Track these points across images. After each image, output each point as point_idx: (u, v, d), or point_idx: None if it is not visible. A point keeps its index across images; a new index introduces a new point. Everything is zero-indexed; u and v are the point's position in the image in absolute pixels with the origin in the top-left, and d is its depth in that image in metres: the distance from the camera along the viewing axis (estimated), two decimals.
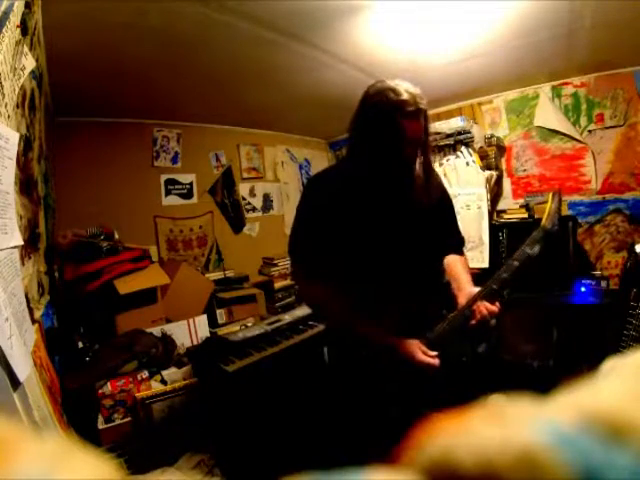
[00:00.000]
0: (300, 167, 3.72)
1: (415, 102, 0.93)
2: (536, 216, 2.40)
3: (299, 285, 1.17)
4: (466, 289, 1.04)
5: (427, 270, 1.11)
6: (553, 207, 1.07)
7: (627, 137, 2.33)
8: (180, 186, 2.87)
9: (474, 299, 0.98)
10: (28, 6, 1.03)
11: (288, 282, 3.12)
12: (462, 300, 1.02)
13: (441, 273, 1.15)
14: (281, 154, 3.55)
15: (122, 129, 2.57)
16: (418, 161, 1.05)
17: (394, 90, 0.93)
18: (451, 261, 1.16)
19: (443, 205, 1.19)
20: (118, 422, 1.54)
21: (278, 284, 3.04)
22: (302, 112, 2.93)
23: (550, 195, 1.12)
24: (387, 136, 0.95)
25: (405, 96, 0.92)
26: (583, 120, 2.47)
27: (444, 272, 1.15)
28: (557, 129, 2.56)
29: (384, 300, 1.04)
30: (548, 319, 2.10)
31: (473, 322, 0.96)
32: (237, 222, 3.21)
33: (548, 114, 2.59)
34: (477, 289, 1.02)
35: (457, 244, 1.23)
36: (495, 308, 0.97)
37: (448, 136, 2.64)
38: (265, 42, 1.75)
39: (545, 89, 2.59)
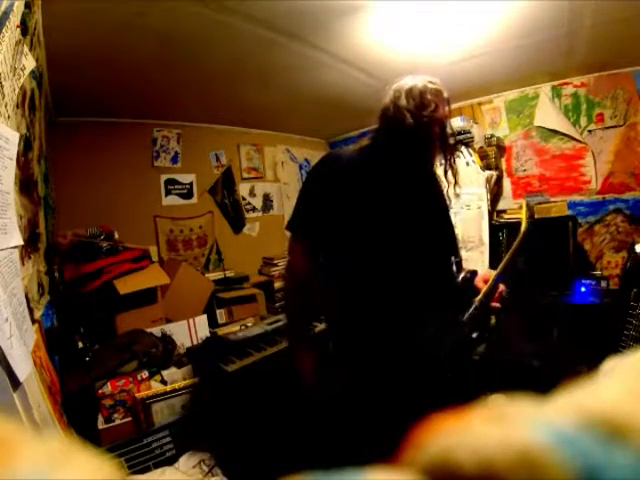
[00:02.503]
0: (300, 167, 3.72)
1: (440, 87, 1.04)
2: (536, 216, 2.40)
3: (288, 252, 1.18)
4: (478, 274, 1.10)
5: (432, 259, 1.11)
6: (527, 213, 1.26)
7: (627, 137, 2.33)
8: (180, 186, 2.87)
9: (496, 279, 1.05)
10: (28, 6, 1.03)
11: None
12: (479, 284, 1.07)
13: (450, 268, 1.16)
14: (281, 154, 3.55)
15: (122, 129, 2.57)
16: (440, 160, 1.11)
17: (422, 79, 1.04)
18: None
19: (446, 212, 1.23)
20: (118, 422, 1.54)
21: (278, 284, 3.04)
22: (302, 112, 2.93)
23: (524, 202, 1.33)
24: (413, 112, 1.00)
25: (433, 80, 1.04)
26: (583, 120, 2.47)
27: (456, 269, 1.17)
28: (557, 129, 2.56)
29: (386, 284, 1.04)
30: (548, 319, 2.10)
31: (496, 300, 1.04)
32: (237, 222, 3.21)
33: (548, 114, 2.59)
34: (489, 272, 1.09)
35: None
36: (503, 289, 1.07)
37: None
38: (265, 42, 1.75)
39: (545, 89, 2.59)
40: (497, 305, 1.04)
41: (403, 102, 1.01)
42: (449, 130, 1.07)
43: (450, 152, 1.12)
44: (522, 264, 2.10)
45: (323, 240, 1.06)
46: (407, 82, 1.04)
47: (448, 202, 1.22)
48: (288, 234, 1.14)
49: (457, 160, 1.18)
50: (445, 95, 1.03)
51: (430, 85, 1.01)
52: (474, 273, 1.09)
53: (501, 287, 1.06)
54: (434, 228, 1.12)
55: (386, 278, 1.04)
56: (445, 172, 1.15)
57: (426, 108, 0.99)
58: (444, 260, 1.15)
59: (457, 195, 1.18)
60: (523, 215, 1.23)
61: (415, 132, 1.01)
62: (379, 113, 1.09)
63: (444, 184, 1.19)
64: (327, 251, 1.08)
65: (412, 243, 1.06)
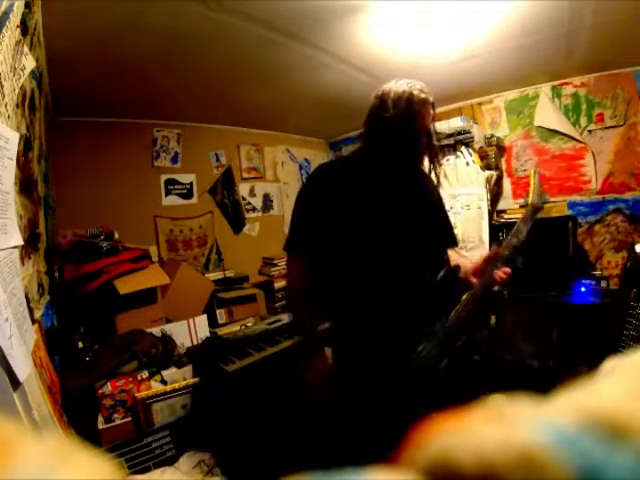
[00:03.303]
0: (300, 167, 3.72)
1: (427, 93, 1.04)
2: (536, 216, 2.40)
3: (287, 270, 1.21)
4: (469, 265, 1.10)
5: (427, 264, 1.12)
6: (537, 183, 1.17)
7: (627, 137, 2.33)
8: (180, 186, 2.87)
9: (491, 263, 1.05)
10: (28, 6, 1.03)
11: None
12: (472, 274, 1.08)
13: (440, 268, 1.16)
14: (281, 154, 3.55)
15: (122, 129, 2.57)
16: (426, 159, 1.13)
17: (408, 83, 1.05)
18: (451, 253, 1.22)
19: (441, 206, 1.26)
20: (118, 422, 1.54)
21: (278, 284, 3.04)
22: (302, 112, 2.93)
23: (532, 172, 1.20)
24: (401, 120, 1.01)
25: (419, 86, 1.05)
26: (583, 120, 2.47)
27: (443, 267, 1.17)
28: (557, 129, 2.56)
29: (382, 291, 1.04)
30: (548, 319, 2.10)
31: (496, 288, 1.04)
32: (237, 222, 3.21)
33: (548, 114, 2.59)
34: (484, 256, 1.08)
35: (452, 242, 1.27)
36: (508, 271, 1.05)
37: (448, 136, 2.64)
38: (265, 42, 1.75)
39: (545, 89, 2.59)
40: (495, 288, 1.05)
41: (390, 113, 1.02)
42: (434, 135, 1.09)
43: (435, 155, 1.14)
44: (522, 264, 2.10)
45: (319, 253, 1.08)
46: (392, 90, 1.04)
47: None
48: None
49: (442, 162, 1.20)
50: (431, 100, 1.04)
51: (416, 93, 1.02)
52: (455, 269, 1.09)
53: (502, 273, 1.04)
54: (428, 229, 1.13)
55: (383, 282, 1.05)
56: (429, 173, 1.17)
57: (413, 120, 1.01)
58: (440, 260, 1.16)
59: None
60: (532, 187, 1.16)
61: (402, 143, 1.03)
62: (366, 119, 1.10)
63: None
64: (323, 262, 1.09)
65: (408, 247, 1.07)
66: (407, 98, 1.01)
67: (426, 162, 1.16)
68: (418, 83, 1.06)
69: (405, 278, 1.05)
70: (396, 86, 1.05)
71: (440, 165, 1.18)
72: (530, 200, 1.13)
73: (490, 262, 1.05)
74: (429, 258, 1.11)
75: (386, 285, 1.05)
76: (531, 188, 1.16)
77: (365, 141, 1.12)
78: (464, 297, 1.04)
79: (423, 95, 1.02)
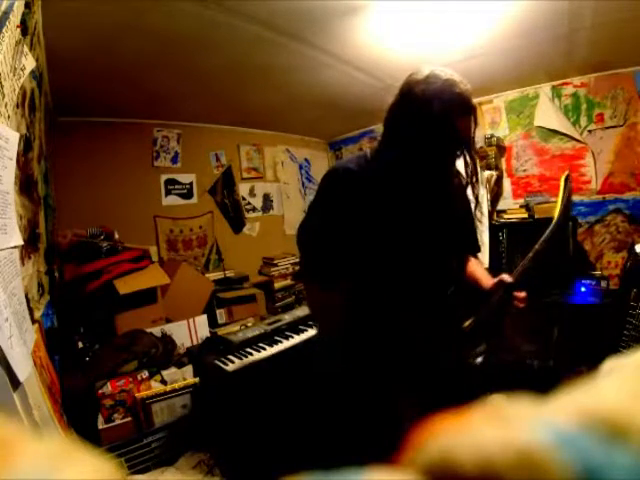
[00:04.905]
0: (300, 167, 3.72)
1: (470, 96, 0.90)
2: (536, 216, 2.40)
3: (311, 290, 1.10)
4: (489, 283, 1.08)
5: (453, 273, 1.10)
6: (565, 197, 1.11)
7: (627, 137, 2.33)
8: (180, 186, 2.87)
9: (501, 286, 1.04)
10: (28, 6, 1.03)
11: (288, 282, 3.12)
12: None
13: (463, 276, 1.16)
14: (281, 154, 3.55)
15: (122, 129, 2.57)
16: (459, 163, 1.02)
17: (450, 81, 0.88)
18: (470, 262, 1.19)
19: (468, 211, 1.17)
20: (118, 422, 1.54)
21: (278, 284, 3.04)
22: (302, 112, 2.93)
23: (562, 180, 1.12)
24: (441, 131, 0.87)
25: (460, 89, 0.89)
26: (583, 120, 2.47)
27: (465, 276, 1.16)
28: (557, 129, 2.56)
29: (408, 299, 1.01)
30: (548, 319, 2.10)
31: (520, 305, 1.03)
32: (237, 222, 3.21)
33: (548, 114, 2.59)
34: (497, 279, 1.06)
35: (475, 250, 1.24)
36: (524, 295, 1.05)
37: None
38: (265, 42, 1.75)
39: (545, 89, 2.59)
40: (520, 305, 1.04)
41: (430, 124, 0.87)
42: (474, 147, 0.98)
43: (474, 172, 1.01)
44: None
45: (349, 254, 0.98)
46: (432, 90, 0.87)
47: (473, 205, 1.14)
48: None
49: (480, 178, 1.12)
50: (474, 105, 0.92)
51: (462, 99, 0.88)
52: (457, 291, 1.08)
53: (522, 296, 1.04)
54: (456, 237, 1.10)
55: (411, 288, 1.01)
56: (467, 183, 1.05)
57: (457, 135, 0.89)
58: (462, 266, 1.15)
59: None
60: (558, 203, 1.09)
61: (441, 157, 0.93)
62: (393, 115, 0.95)
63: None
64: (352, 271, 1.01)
65: (437, 257, 1.03)
66: (450, 107, 0.86)
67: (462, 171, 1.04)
68: (460, 82, 0.89)
69: (432, 286, 1.03)
70: (434, 86, 0.87)
71: (478, 181, 1.03)
72: (556, 216, 1.12)
73: (500, 286, 1.04)
74: (453, 265, 1.10)
75: (413, 292, 1.01)
76: (558, 202, 1.13)
77: (393, 146, 0.96)
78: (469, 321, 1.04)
79: (467, 103, 0.89)
